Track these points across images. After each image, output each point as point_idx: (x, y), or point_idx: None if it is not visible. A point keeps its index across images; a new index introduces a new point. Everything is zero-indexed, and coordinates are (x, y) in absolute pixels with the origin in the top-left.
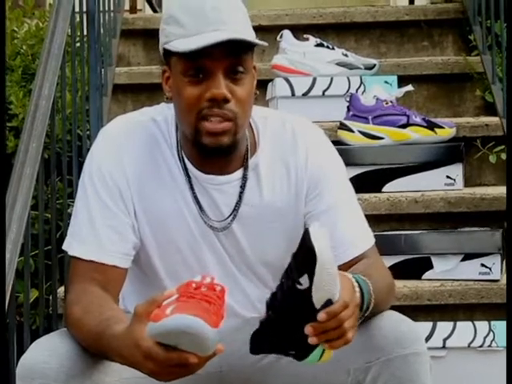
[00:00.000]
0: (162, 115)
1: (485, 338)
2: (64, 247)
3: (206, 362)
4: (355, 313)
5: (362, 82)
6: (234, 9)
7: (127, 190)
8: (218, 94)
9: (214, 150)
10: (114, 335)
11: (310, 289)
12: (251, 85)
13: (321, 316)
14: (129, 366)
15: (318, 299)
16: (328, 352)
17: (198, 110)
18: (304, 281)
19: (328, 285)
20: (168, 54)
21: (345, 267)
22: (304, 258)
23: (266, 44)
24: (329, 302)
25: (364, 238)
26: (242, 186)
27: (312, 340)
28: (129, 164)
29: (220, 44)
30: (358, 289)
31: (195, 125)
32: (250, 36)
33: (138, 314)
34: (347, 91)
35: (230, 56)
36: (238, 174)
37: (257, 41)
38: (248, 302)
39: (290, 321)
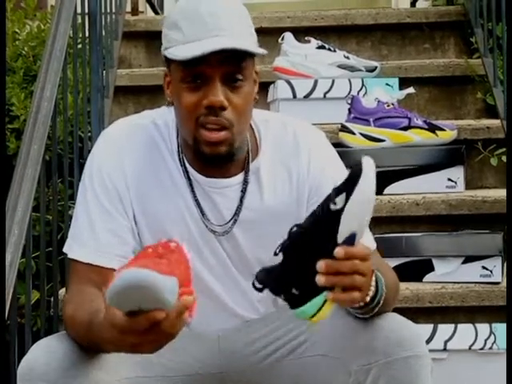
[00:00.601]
0: (162, 119)
1: (486, 340)
2: (64, 250)
3: (180, 318)
4: (370, 277)
5: (363, 85)
6: (234, 14)
7: (127, 193)
8: (215, 102)
9: (212, 158)
10: (100, 322)
11: (342, 209)
12: (250, 92)
13: (338, 251)
14: (119, 350)
15: (345, 225)
16: (327, 307)
17: (196, 117)
18: (340, 200)
19: (360, 212)
20: (168, 59)
21: None
22: (348, 178)
23: (265, 52)
24: (352, 239)
25: (368, 242)
26: (243, 190)
27: (320, 279)
28: (129, 167)
29: (218, 51)
30: (374, 283)
31: (194, 132)
32: (250, 42)
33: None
34: (348, 93)
35: (228, 63)
36: (240, 177)
37: (254, 50)
38: (248, 304)
39: (305, 252)
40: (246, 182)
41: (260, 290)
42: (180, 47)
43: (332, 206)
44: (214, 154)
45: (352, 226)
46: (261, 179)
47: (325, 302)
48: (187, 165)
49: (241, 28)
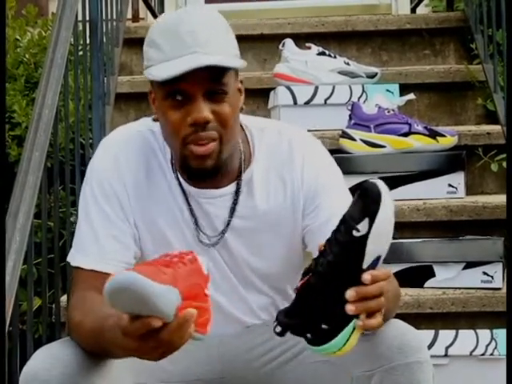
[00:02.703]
0: (159, 126)
1: (487, 346)
2: (68, 258)
3: (181, 330)
4: (387, 297)
5: (363, 91)
6: (212, 29)
7: (127, 199)
8: (199, 119)
9: (198, 172)
10: (111, 325)
11: (367, 235)
12: (235, 102)
13: (366, 276)
14: (125, 354)
15: (370, 250)
16: (355, 336)
17: (183, 137)
18: (363, 226)
19: (385, 234)
20: None
21: None
22: (366, 201)
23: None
24: (375, 263)
25: None
26: (235, 200)
27: (350, 308)
28: (128, 174)
29: (198, 68)
30: None
31: (181, 149)
32: (229, 56)
33: None
34: (349, 100)
35: (209, 79)
36: (231, 187)
37: (232, 64)
38: (248, 309)
39: (332, 283)
40: (237, 192)
41: (281, 334)
42: (159, 66)
43: (355, 233)
44: (200, 168)
45: (377, 250)
46: (253, 188)
47: (351, 333)
48: (179, 176)
49: (220, 43)
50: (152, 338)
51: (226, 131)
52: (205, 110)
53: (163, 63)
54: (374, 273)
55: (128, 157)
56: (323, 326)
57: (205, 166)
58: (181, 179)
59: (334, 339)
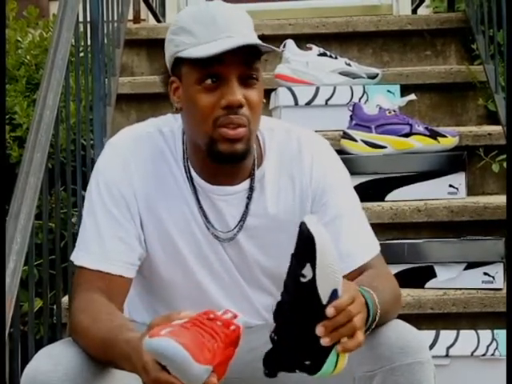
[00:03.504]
0: (168, 126)
1: (488, 346)
2: (71, 258)
3: None
4: (363, 312)
5: (364, 92)
6: (243, 19)
7: (134, 201)
8: (233, 101)
9: (229, 156)
10: (128, 340)
11: (314, 278)
12: (262, 92)
13: (329, 311)
14: (134, 372)
15: (323, 289)
16: (342, 358)
17: (214, 119)
18: (307, 271)
19: (331, 270)
20: (178, 63)
21: (350, 277)
22: (303, 247)
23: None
24: (334, 294)
25: (368, 248)
26: (249, 197)
27: (325, 341)
28: (135, 175)
29: (234, 51)
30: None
31: (211, 133)
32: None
33: (151, 326)
34: (350, 100)
35: (243, 62)
36: (245, 184)
37: (273, 47)
38: (253, 310)
39: (300, 325)
40: (251, 189)
41: (273, 376)
42: (192, 50)
43: (302, 279)
44: (231, 152)
45: (330, 286)
46: (265, 186)
47: (337, 359)
48: (192, 172)
49: (251, 30)
50: None
51: (254, 118)
52: (239, 93)
53: (198, 46)
54: (335, 304)
55: (135, 157)
56: (306, 363)
57: (235, 150)
58: (194, 176)
59: (321, 369)
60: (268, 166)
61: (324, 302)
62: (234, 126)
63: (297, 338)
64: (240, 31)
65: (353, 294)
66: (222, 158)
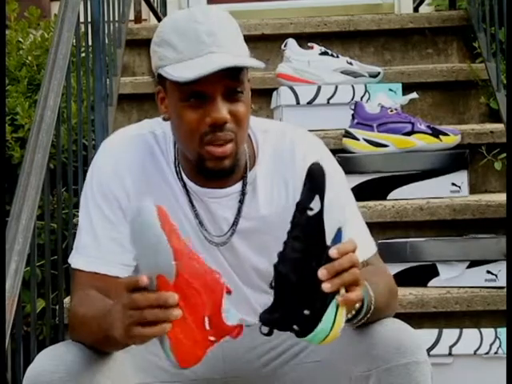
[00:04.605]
0: (161, 129)
1: (491, 345)
2: (69, 260)
3: (155, 302)
4: (359, 273)
5: (366, 90)
6: (227, 29)
7: (127, 202)
8: (218, 119)
9: (217, 173)
10: (113, 304)
11: (321, 210)
12: (248, 101)
13: (333, 252)
14: (126, 339)
15: (329, 224)
16: (340, 314)
17: (200, 135)
18: (315, 204)
19: (339, 206)
20: (163, 76)
21: None
22: (314, 180)
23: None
24: (339, 237)
25: (366, 246)
26: (241, 200)
27: (326, 286)
28: (128, 178)
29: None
30: None
31: (198, 150)
32: (246, 56)
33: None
34: (352, 99)
35: (227, 79)
36: (237, 186)
37: (254, 64)
38: (251, 310)
39: (302, 269)
40: (243, 192)
41: (269, 334)
42: (176, 66)
43: (310, 212)
44: (218, 169)
45: (335, 222)
46: (257, 188)
47: (336, 312)
48: (184, 176)
49: (235, 42)
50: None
51: (241, 131)
52: (223, 110)
53: (181, 63)
54: (339, 246)
55: (127, 159)
56: (305, 312)
57: (223, 167)
58: (186, 180)
59: (320, 323)
60: (260, 168)
61: (328, 242)
62: (221, 143)
63: (298, 282)
64: (224, 46)
65: (355, 244)
66: (210, 174)
